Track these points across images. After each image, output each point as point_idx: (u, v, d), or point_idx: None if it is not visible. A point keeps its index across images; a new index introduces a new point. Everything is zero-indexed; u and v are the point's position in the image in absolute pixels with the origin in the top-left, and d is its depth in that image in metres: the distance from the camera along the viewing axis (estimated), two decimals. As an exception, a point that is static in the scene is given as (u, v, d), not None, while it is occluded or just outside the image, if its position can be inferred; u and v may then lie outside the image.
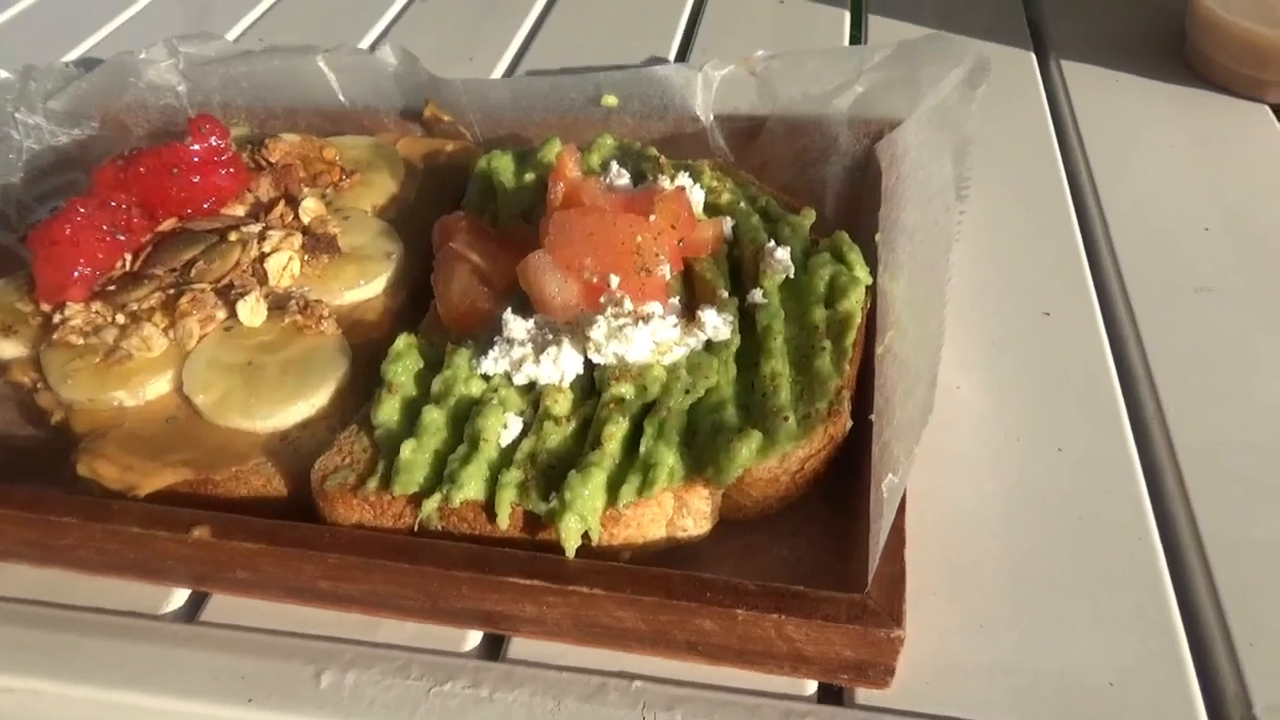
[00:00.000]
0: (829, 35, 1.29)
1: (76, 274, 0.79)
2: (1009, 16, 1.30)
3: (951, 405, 0.73)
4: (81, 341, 0.77)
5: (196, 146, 0.85)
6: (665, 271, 0.71)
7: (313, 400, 0.74)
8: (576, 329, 0.68)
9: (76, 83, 1.09)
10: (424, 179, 0.97)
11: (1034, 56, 1.18)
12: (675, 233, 0.72)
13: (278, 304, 0.80)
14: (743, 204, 0.80)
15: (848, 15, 1.31)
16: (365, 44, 1.39)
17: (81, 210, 0.81)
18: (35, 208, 1.00)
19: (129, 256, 0.82)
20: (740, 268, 0.76)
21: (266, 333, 0.78)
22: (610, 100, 0.98)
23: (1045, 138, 1.06)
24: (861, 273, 0.72)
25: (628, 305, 0.67)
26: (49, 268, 0.79)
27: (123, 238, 0.82)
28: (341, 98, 1.05)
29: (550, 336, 0.68)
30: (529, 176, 0.86)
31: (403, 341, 0.71)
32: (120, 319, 0.79)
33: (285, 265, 0.82)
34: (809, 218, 0.79)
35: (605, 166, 0.85)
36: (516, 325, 0.69)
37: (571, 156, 0.78)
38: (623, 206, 0.73)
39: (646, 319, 0.66)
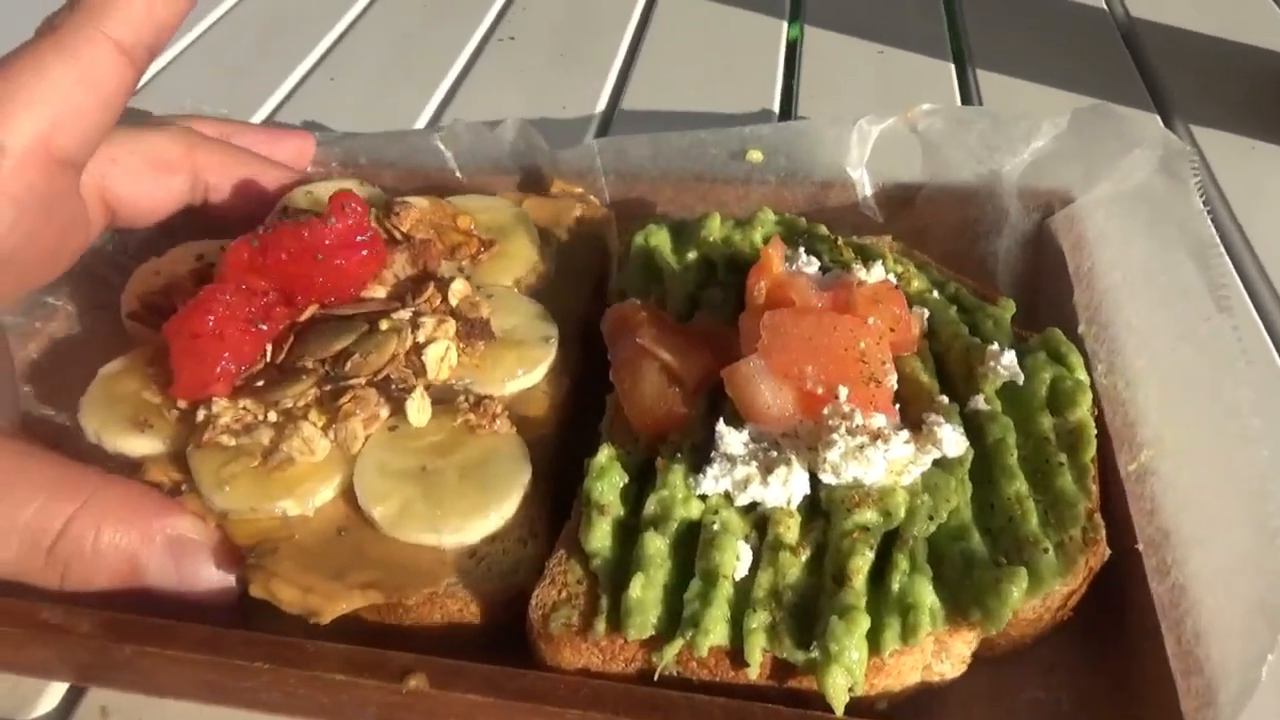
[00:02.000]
0: (935, 87, 1.26)
1: (220, 369, 0.73)
2: (1122, 74, 1.28)
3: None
4: (233, 443, 0.71)
5: (338, 225, 0.79)
6: (893, 381, 0.67)
7: (501, 511, 0.68)
8: (797, 442, 0.64)
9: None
10: (558, 248, 0.92)
11: (1158, 119, 1.17)
12: (894, 335, 0.69)
13: (439, 398, 0.75)
14: (935, 293, 0.77)
15: (953, 68, 1.28)
16: (438, 96, 1.32)
17: (222, 299, 0.74)
18: (128, 264, 0.91)
19: (269, 347, 0.76)
20: (942, 366, 0.72)
21: (435, 432, 0.73)
22: (755, 155, 0.94)
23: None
24: (1083, 375, 0.69)
25: (858, 419, 0.63)
26: (191, 362, 0.72)
27: (264, 327, 0.75)
28: (459, 175, 0.99)
29: (774, 454, 0.63)
30: (691, 255, 0.82)
31: (605, 455, 0.66)
32: (273, 417, 0.73)
33: (443, 356, 0.76)
34: (1009, 309, 0.76)
35: (791, 248, 0.80)
36: (733, 439, 0.64)
37: (778, 252, 0.73)
38: (830, 304, 0.69)
39: (885, 438, 0.62)
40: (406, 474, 0.70)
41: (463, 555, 0.67)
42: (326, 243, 0.78)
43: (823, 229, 0.83)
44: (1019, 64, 1.27)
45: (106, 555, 0.65)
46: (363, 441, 0.71)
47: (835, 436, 0.62)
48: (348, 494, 0.70)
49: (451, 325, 0.78)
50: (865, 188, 0.93)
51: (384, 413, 0.73)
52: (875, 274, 0.74)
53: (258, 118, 1.29)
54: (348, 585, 0.65)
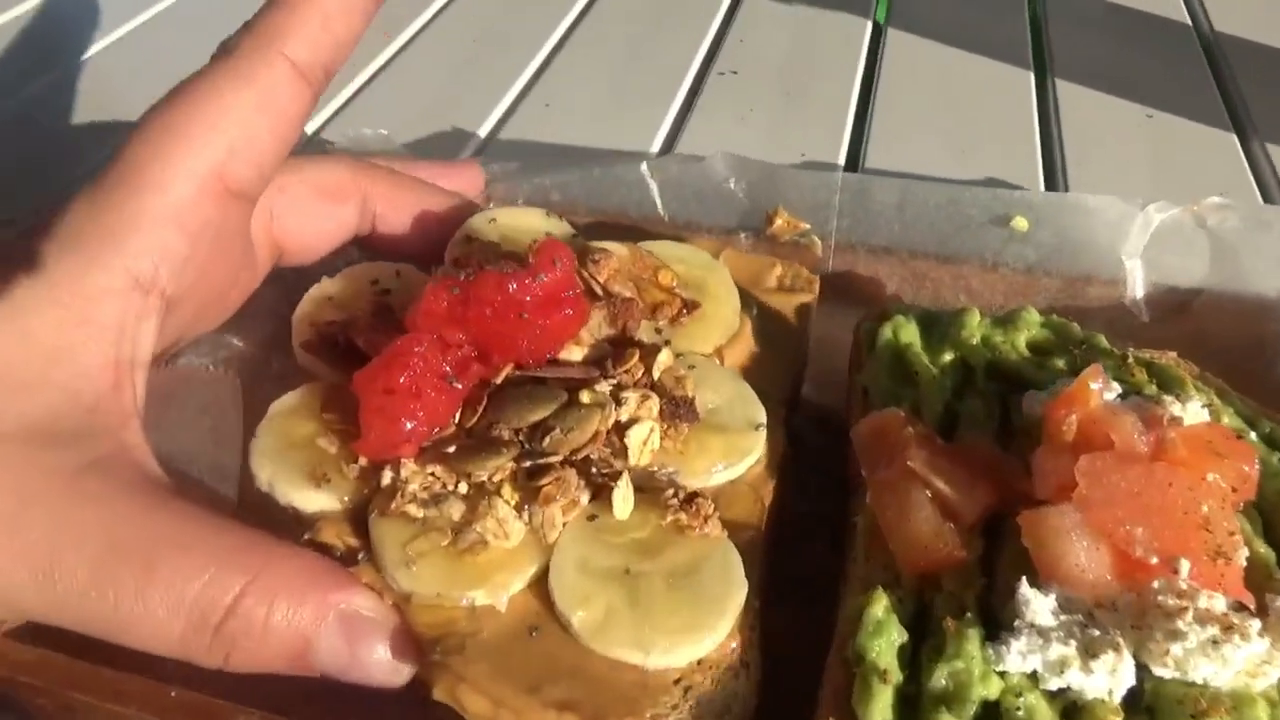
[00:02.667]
0: (1215, 161, 1.15)
1: (412, 429, 0.66)
2: None
3: None
4: (421, 514, 0.65)
5: (545, 280, 0.72)
6: (1244, 558, 0.57)
7: (715, 633, 0.61)
8: (1115, 616, 0.54)
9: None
10: (758, 314, 0.84)
11: None
12: (1235, 495, 0.59)
13: (637, 485, 0.68)
14: (1251, 434, 0.67)
15: (1235, 140, 1.17)
16: (660, 133, 1.25)
17: (418, 352, 0.68)
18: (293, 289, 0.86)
19: (460, 408, 0.69)
20: (1268, 531, 0.62)
21: (638, 528, 0.65)
22: (1021, 223, 0.85)
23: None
24: None
25: (1203, 602, 0.54)
26: (382, 420, 0.66)
27: (459, 385, 0.69)
28: (661, 210, 0.92)
29: (1093, 632, 0.54)
30: (947, 356, 0.73)
31: (880, 607, 0.57)
32: (463, 488, 0.66)
33: (646, 439, 0.69)
34: None
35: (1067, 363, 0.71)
36: (1041, 606, 0.55)
37: (1098, 382, 0.64)
38: (1151, 450, 0.60)
39: (1242, 632, 0.52)
40: (610, 575, 0.62)
41: (667, 682, 0.60)
42: (528, 299, 0.72)
43: (1103, 340, 0.73)
44: None
45: (277, 633, 0.58)
46: (560, 530, 0.65)
47: (1181, 625, 0.53)
48: (538, 588, 0.63)
49: (655, 403, 0.71)
50: (1137, 283, 0.83)
51: (584, 498, 0.66)
52: (1193, 411, 0.63)
53: (466, 151, 1.23)
54: (543, 702, 0.58)
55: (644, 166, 0.94)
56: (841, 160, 1.16)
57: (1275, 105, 1.25)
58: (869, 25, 1.50)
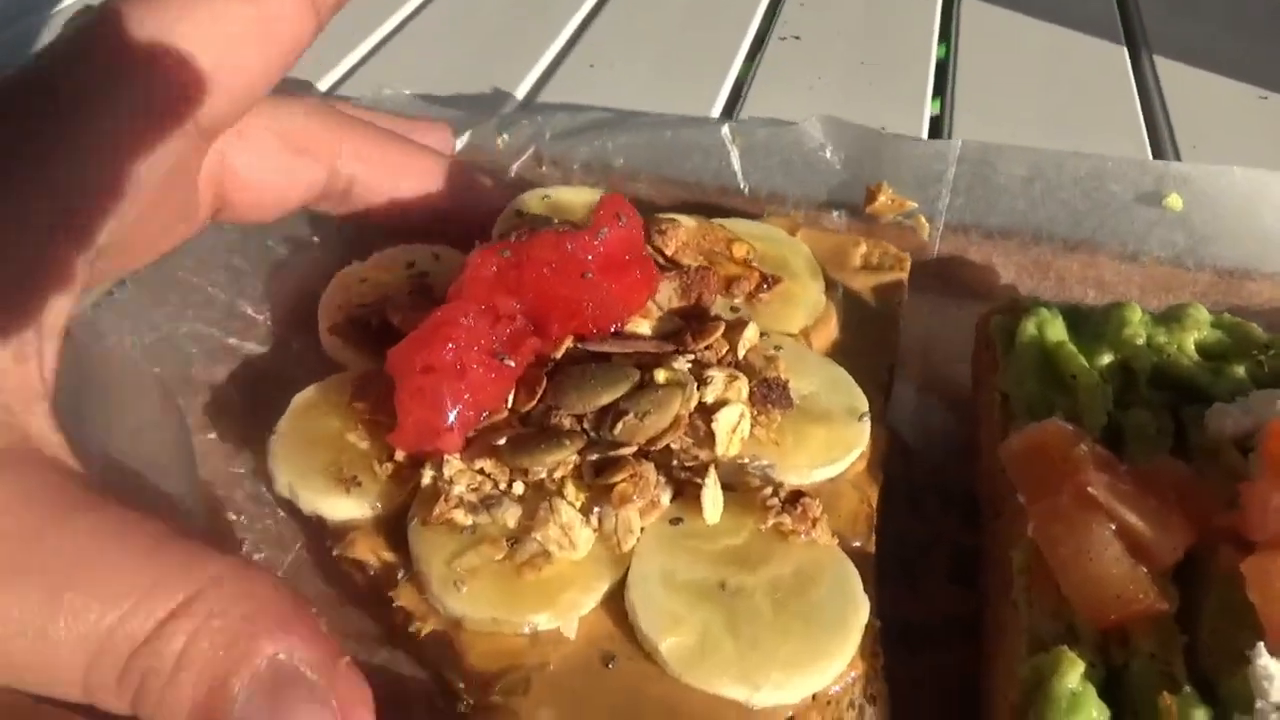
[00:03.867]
0: None
1: (454, 414, 0.56)
2: None
3: None
4: (470, 521, 0.54)
5: (609, 237, 0.61)
6: None
7: (835, 662, 0.49)
8: None
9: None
10: (845, 298, 0.72)
11: None
12: None
13: (725, 482, 0.56)
14: None
15: None
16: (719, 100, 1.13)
17: (464, 322, 0.57)
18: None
19: (513, 390, 0.58)
20: None
21: (731, 534, 0.54)
22: (1175, 201, 0.73)
23: None
24: None
25: None
26: (421, 404, 0.55)
27: (511, 363, 0.58)
28: (741, 181, 0.81)
29: None
30: (1105, 359, 0.61)
31: (1075, 675, 0.45)
32: (518, 488, 0.55)
33: (736, 425, 0.58)
34: None
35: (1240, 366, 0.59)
36: None
37: None
38: None
39: None
40: (702, 591, 0.51)
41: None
42: (590, 258, 0.61)
43: None
44: None
45: (189, 675, 0.42)
46: (637, 537, 0.53)
47: None
48: (611, 607, 0.52)
49: (744, 384, 0.59)
50: None
51: (665, 498, 0.55)
52: None
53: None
54: (627, 749, 0.47)
55: (725, 129, 0.83)
56: (924, 135, 1.04)
57: None
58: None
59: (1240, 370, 0.61)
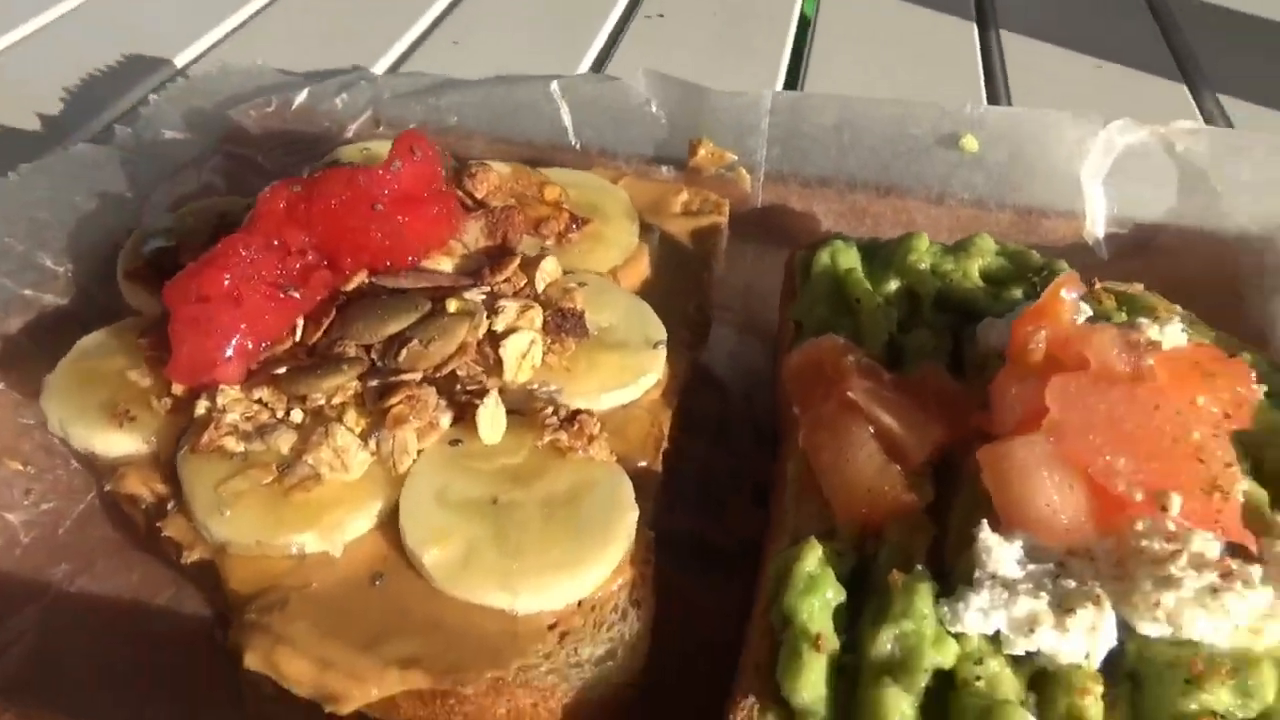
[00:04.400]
0: (1168, 108, 1.07)
1: (233, 345, 0.55)
2: None
3: None
4: (241, 448, 0.53)
5: (404, 174, 0.61)
6: (1242, 491, 0.47)
7: (599, 567, 0.49)
8: (1092, 566, 0.44)
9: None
10: (660, 239, 0.73)
11: None
12: (1231, 422, 0.49)
13: (515, 407, 0.57)
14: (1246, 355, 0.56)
15: (1186, 90, 1.09)
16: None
17: (244, 254, 0.56)
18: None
19: (301, 322, 0.58)
20: (1257, 471, 0.51)
21: (511, 452, 0.54)
22: (971, 144, 0.75)
23: None
24: None
25: (1197, 544, 0.43)
26: (195, 334, 0.54)
27: (297, 295, 0.57)
28: (572, 137, 0.82)
29: (1067, 583, 0.43)
30: (892, 285, 0.63)
31: (813, 560, 0.46)
32: (296, 415, 0.54)
33: (526, 352, 0.58)
34: None
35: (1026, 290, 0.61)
36: (1004, 555, 0.44)
37: (1072, 290, 0.53)
38: (1134, 375, 0.48)
39: (1246, 579, 0.42)
40: (472, 507, 0.51)
41: (540, 628, 0.48)
42: (386, 192, 0.61)
43: (1065, 267, 0.63)
44: (1260, 89, 1.06)
45: None
46: (414, 458, 0.53)
47: (1174, 570, 0.42)
48: (388, 528, 0.52)
49: (538, 314, 0.60)
50: (1098, 216, 0.73)
51: (445, 420, 0.54)
52: (1172, 334, 0.53)
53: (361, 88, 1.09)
54: (382, 660, 0.46)
55: (554, 86, 0.84)
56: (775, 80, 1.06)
57: (1223, 55, 1.19)
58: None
59: (1018, 292, 0.63)
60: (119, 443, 0.55)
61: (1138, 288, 0.64)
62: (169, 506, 0.53)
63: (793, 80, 1.14)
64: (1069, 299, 0.51)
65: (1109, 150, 0.74)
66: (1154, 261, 0.72)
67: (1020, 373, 0.50)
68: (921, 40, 1.24)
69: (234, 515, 0.50)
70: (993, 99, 1.10)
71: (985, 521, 0.45)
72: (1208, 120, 1.06)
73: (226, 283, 0.55)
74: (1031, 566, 0.44)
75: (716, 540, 0.61)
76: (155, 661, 0.54)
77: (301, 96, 0.88)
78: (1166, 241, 0.73)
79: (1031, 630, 0.42)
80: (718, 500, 0.63)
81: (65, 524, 0.60)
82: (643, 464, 0.57)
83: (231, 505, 0.50)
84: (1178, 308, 0.64)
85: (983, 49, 1.22)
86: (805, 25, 1.30)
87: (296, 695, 0.46)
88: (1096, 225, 0.74)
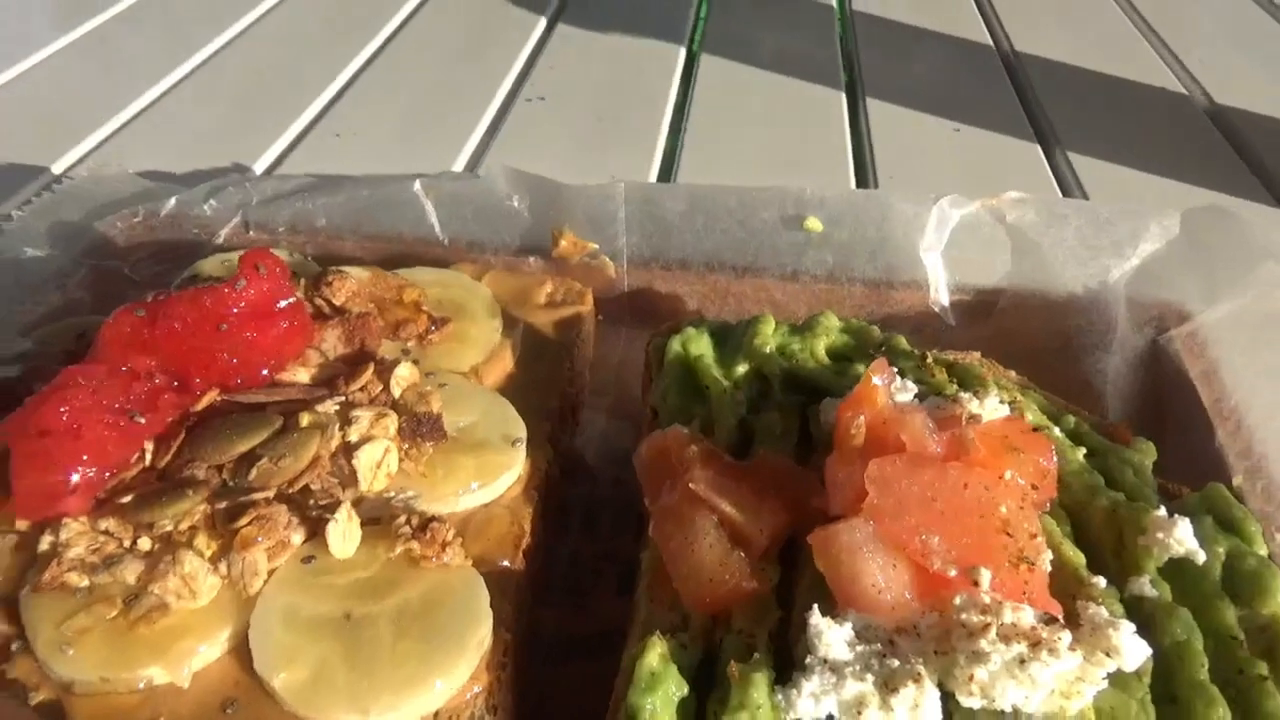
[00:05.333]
0: (1022, 166, 1.14)
1: (76, 477, 0.55)
2: (1223, 161, 1.15)
3: None
4: (86, 583, 0.52)
5: (249, 291, 0.62)
6: (1048, 562, 0.50)
7: (450, 678, 0.50)
8: (918, 643, 0.46)
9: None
10: (525, 332, 0.75)
11: None
12: (1036, 495, 0.52)
13: (371, 516, 0.57)
14: (1055, 430, 0.61)
15: (1039, 149, 1.16)
16: (461, 160, 1.17)
17: (83, 383, 0.57)
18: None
19: (151, 446, 0.58)
20: (1078, 532, 0.55)
21: (364, 566, 0.54)
22: (814, 224, 0.79)
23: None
24: (1263, 548, 0.53)
25: (1008, 616, 0.46)
26: (34, 469, 0.54)
27: (143, 420, 0.57)
28: (440, 233, 0.84)
29: (893, 663, 0.46)
30: (741, 368, 0.66)
31: (655, 655, 0.47)
32: (144, 544, 0.54)
33: (380, 460, 0.59)
34: (1149, 454, 0.59)
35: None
36: (834, 638, 0.46)
37: (884, 375, 0.56)
38: (946, 450, 0.52)
39: (1052, 647, 0.44)
40: (323, 625, 0.51)
41: (396, 741, 0.49)
42: (234, 311, 0.61)
43: (903, 342, 0.67)
44: (1107, 146, 1.15)
45: None
46: (265, 579, 0.53)
47: (985, 644, 0.45)
48: (239, 653, 0.51)
49: (393, 421, 0.61)
50: (940, 285, 0.78)
51: (296, 538, 0.55)
52: (991, 407, 0.57)
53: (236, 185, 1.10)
54: (230, 794, 0.46)
55: (417, 185, 0.87)
56: (653, 178, 1.10)
57: (1073, 115, 1.28)
58: (682, 52, 1.48)
59: (861, 368, 0.66)
60: (-40, 584, 0.54)
61: (974, 356, 0.68)
62: (13, 647, 0.52)
63: (669, 161, 1.19)
64: (880, 384, 0.55)
65: (943, 223, 0.79)
66: (995, 326, 0.77)
67: (846, 456, 0.53)
68: (793, 114, 1.30)
69: (77, 653, 0.49)
70: (859, 168, 1.16)
71: (815, 606, 0.48)
72: (1058, 179, 1.14)
73: (65, 415, 0.55)
74: (861, 647, 0.46)
75: (580, 630, 0.62)
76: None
77: (170, 204, 0.89)
78: (1005, 307, 0.77)
79: (859, 713, 0.44)
80: (583, 590, 0.64)
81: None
82: (504, 563, 0.58)
83: (74, 643, 0.50)
84: (1012, 374, 0.68)
85: (850, 118, 1.29)
86: (681, 105, 1.35)
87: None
88: (940, 293, 0.78)
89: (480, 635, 0.52)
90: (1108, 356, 0.73)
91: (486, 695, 0.51)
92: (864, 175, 1.16)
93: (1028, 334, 0.75)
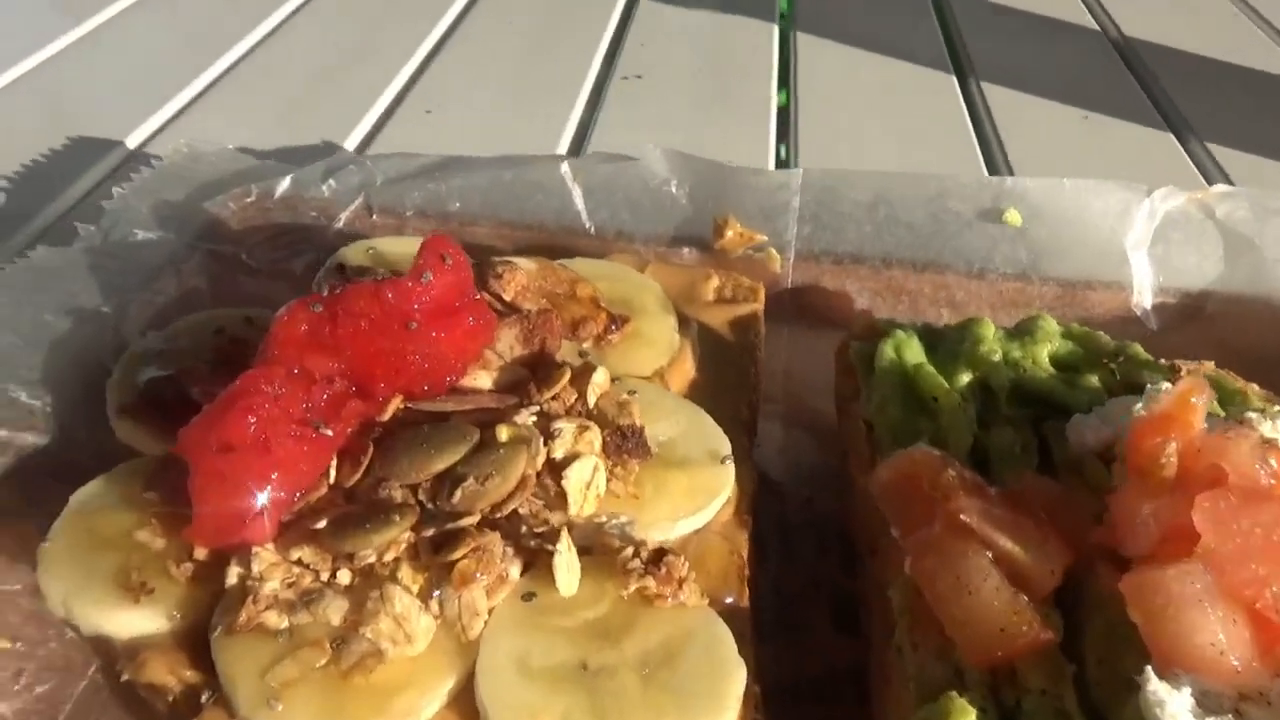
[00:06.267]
0: (1160, 157, 1.07)
1: (264, 499, 0.48)
2: None
3: None
4: (285, 623, 0.46)
5: (435, 286, 0.55)
6: None
7: (713, 739, 0.44)
8: (1269, 711, 0.40)
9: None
10: (700, 335, 0.68)
11: None
12: None
13: (580, 544, 0.51)
14: None
15: (1173, 139, 1.09)
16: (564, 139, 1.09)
17: (268, 390, 0.50)
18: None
19: (335, 462, 0.51)
20: None
21: (590, 604, 0.48)
22: (1014, 218, 0.73)
23: None
24: None
25: None
26: (221, 489, 0.47)
27: (329, 431, 0.51)
28: (586, 221, 0.77)
29: None
30: (964, 377, 0.59)
31: (958, 712, 0.41)
32: (344, 577, 0.48)
33: (590, 480, 0.52)
34: None
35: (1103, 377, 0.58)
36: (1178, 708, 0.40)
37: (1201, 395, 0.49)
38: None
39: None
40: (562, 675, 0.45)
41: (655, 813, 0.43)
42: (418, 307, 0.55)
43: (1141, 351, 0.60)
44: (1242, 135, 1.08)
45: None
46: (485, 619, 0.47)
47: None
48: (461, 705, 0.45)
49: (596, 435, 0.54)
50: (1145, 286, 0.71)
51: (514, 571, 0.49)
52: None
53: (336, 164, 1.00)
54: None
55: (564, 167, 0.79)
56: (771, 166, 1.03)
57: (1202, 105, 1.20)
58: (775, 29, 1.41)
59: (1094, 380, 0.60)
60: (135, 621, 0.47)
61: (1209, 365, 0.62)
62: (203, 699, 0.45)
63: (783, 144, 1.12)
64: (1198, 405, 0.48)
65: (1152, 218, 0.72)
66: (1205, 331, 0.70)
67: (1150, 489, 0.47)
68: (904, 96, 1.23)
69: (287, 708, 0.43)
70: (987, 156, 1.09)
71: (1150, 669, 0.41)
72: (1200, 169, 1.07)
73: (252, 427, 0.48)
74: (1208, 719, 0.40)
75: (805, 672, 0.56)
76: None
77: (285, 184, 0.81)
78: (1216, 309, 0.71)
79: (1228, 794, 0.38)
80: (798, 626, 0.58)
81: (65, 709, 0.51)
82: (729, 600, 0.51)
83: (283, 696, 0.43)
84: (1254, 386, 0.61)
85: (966, 103, 1.22)
86: (785, 74, 1.28)
87: None
88: (1144, 295, 0.72)
89: (737, 689, 0.45)
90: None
91: (750, 758, 0.45)
92: (993, 163, 1.09)
93: (1245, 340, 0.69)
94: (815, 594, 0.60)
